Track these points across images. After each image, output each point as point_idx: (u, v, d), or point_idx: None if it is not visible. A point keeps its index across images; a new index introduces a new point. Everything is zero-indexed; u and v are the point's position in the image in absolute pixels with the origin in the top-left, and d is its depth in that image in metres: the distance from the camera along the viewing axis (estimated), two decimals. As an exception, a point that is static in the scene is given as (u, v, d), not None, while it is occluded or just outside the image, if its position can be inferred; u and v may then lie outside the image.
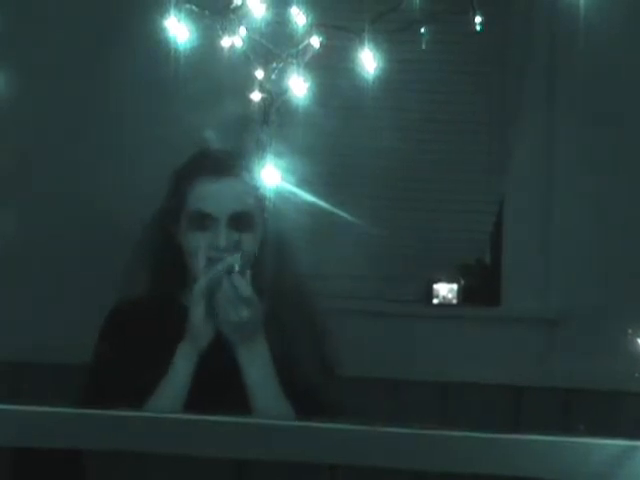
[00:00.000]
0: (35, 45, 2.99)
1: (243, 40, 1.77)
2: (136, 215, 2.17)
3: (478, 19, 1.74)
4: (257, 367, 2.02)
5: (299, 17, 1.80)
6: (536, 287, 3.10)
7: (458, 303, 3.19)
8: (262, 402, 2.00)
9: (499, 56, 3.14)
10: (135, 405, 1.96)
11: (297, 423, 1.75)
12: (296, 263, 2.15)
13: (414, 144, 3.16)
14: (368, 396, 2.61)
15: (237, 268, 2.01)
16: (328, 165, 3.03)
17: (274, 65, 1.74)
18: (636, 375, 1.61)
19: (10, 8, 2.88)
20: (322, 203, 2.54)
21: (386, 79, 1.75)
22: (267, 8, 1.78)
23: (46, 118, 3.04)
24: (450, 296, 3.20)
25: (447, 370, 2.85)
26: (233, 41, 1.77)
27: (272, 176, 1.71)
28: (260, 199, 1.94)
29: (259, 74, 1.76)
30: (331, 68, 2.01)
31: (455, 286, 3.20)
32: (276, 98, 1.74)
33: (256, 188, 1.77)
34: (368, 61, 1.71)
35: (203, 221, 2.06)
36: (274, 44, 1.77)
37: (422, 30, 1.83)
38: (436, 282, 3.20)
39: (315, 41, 1.77)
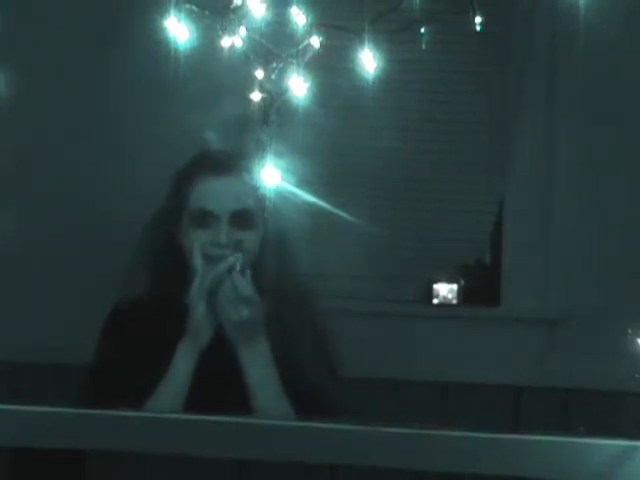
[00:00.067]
0: (35, 45, 2.99)
1: (243, 40, 1.77)
2: (136, 215, 2.17)
3: (478, 19, 1.74)
4: (258, 367, 2.02)
5: (299, 17, 1.80)
6: (536, 287, 3.10)
7: (458, 303, 3.19)
8: (263, 402, 2.00)
9: (499, 56, 3.14)
10: (136, 405, 1.96)
11: (297, 423, 1.75)
12: (297, 263, 2.16)
13: (414, 144, 3.16)
14: (368, 396, 2.60)
15: (238, 267, 2.01)
16: (328, 165, 3.03)
17: (274, 65, 1.74)
18: (636, 375, 1.61)
19: (10, 8, 2.88)
20: (322, 203, 2.54)
21: (386, 79, 1.74)
22: (267, 8, 1.78)
23: (46, 118, 3.04)
24: (450, 296, 3.20)
25: (447, 370, 2.85)
26: (233, 41, 1.77)
27: (272, 176, 1.71)
28: (261, 198, 1.94)
29: (259, 74, 1.76)
30: (331, 68, 2.01)
31: (455, 286, 3.20)
32: (276, 98, 1.74)
33: (257, 187, 1.77)
34: (368, 61, 1.71)
35: (204, 219, 2.07)
36: (274, 44, 1.77)
37: (422, 30, 1.83)
38: (436, 282, 3.20)
39: (315, 41, 1.77)
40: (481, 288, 3.23)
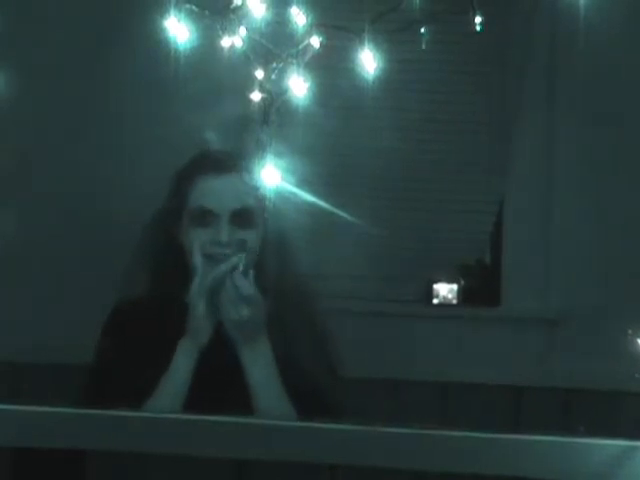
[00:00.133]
0: (35, 45, 2.99)
1: (243, 40, 1.77)
2: (136, 215, 2.17)
3: (478, 19, 1.74)
4: (259, 367, 2.02)
5: (299, 17, 1.80)
6: (536, 287, 3.10)
7: (458, 303, 3.19)
8: (264, 402, 2.00)
9: (499, 56, 3.14)
10: (136, 405, 1.96)
11: (297, 423, 1.75)
12: (297, 263, 2.16)
13: (414, 144, 3.16)
14: (368, 396, 2.60)
15: (241, 267, 2.02)
16: (328, 165, 3.03)
17: (274, 65, 1.74)
18: (636, 375, 1.61)
19: (10, 8, 2.88)
20: (322, 203, 2.54)
21: (386, 79, 1.74)
22: (267, 8, 1.78)
23: (46, 118, 3.04)
24: (450, 296, 3.20)
25: (447, 370, 2.85)
26: (233, 41, 1.77)
27: (272, 176, 1.71)
28: (261, 197, 1.94)
29: (259, 74, 1.76)
30: (331, 68, 2.01)
31: (455, 286, 3.20)
32: (276, 98, 1.74)
33: (257, 186, 1.77)
34: (368, 61, 1.71)
35: (204, 217, 2.07)
36: (274, 44, 1.77)
37: (422, 30, 1.83)
38: (436, 282, 3.20)
39: (315, 41, 1.77)
40: (481, 288, 3.23)
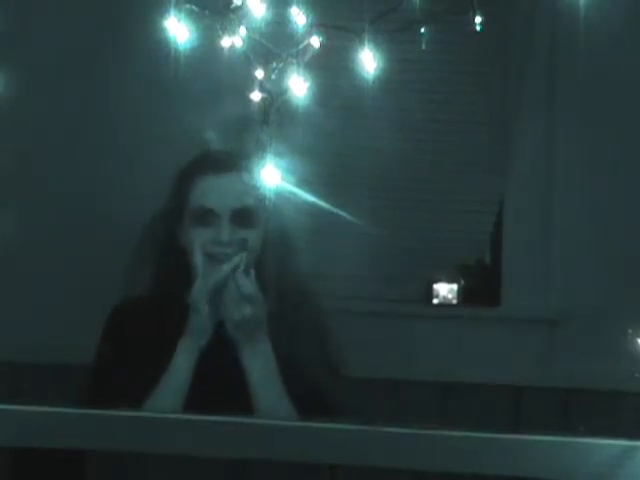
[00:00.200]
0: (35, 45, 2.99)
1: (243, 40, 1.77)
2: (136, 215, 2.17)
3: (478, 19, 1.74)
4: (260, 366, 2.02)
5: (299, 17, 1.80)
6: (536, 287, 3.10)
7: (458, 303, 3.20)
8: (265, 402, 2.00)
9: (499, 56, 3.14)
10: (138, 405, 1.96)
11: (297, 423, 1.75)
12: (297, 263, 2.16)
13: (414, 144, 3.16)
14: (368, 396, 2.60)
15: (242, 267, 2.02)
16: (328, 165, 3.03)
17: (274, 65, 1.74)
18: (636, 375, 1.61)
19: (10, 8, 2.88)
20: (322, 203, 2.54)
21: (386, 79, 1.74)
22: (267, 8, 1.78)
23: (46, 118, 3.04)
24: (450, 296, 3.20)
25: (447, 370, 2.84)
26: (233, 41, 1.77)
27: (272, 176, 1.71)
28: (262, 197, 1.94)
29: (259, 74, 1.75)
30: (331, 68, 2.01)
31: (455, 286, 3.20)
32: (276, 98, 1.74)
33: (257, 186, 1.77)
34: (368, 61, 1.71)
35: (205, 217, 2.07)
36: (274, 44, 1.77)
37: (422, 30, 1.82)
38: (436, 282, 3.20)
39: (315, 41, 1.77)
40: (481, 288, 3.23)
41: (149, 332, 2.07)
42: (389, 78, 1.75)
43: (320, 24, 1.78)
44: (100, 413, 1.60)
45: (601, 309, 2.95)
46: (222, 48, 1.76)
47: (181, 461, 1.58)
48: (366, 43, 1.70)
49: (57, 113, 3.04)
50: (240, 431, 1.57)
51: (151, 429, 1.59)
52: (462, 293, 3.20)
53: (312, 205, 2.38)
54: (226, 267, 2.02)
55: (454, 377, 2.82)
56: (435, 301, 3.19)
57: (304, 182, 2.09)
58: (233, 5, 1.76)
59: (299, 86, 1.73)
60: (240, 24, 1.76)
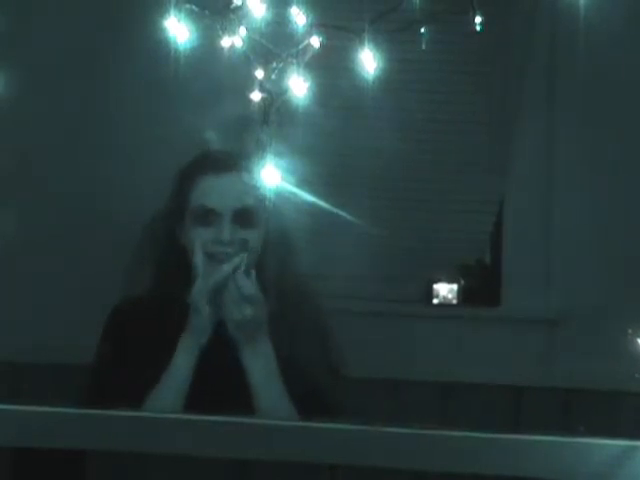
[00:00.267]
0: (35, 45, 2.99)
1: (243, 40, 1.77)
2: (136, 215, 2.17)
3: (478, 19, 1.74)
4: (261, 366, 2.02)
5: (299, 17, 1.80)
6: (536, 287, 3.10)
7: (458, 303, 3.20)
8: (265, 402, 2.00)
9: (499, 56, 3.14)
10: (138, 405, 1.96)
11: (297, 423, 1.75)
12: (298, 263, 2.16)
13: (414, 144, 3.16)
14: (368, 396, 2.60)
15: (243, 267, 2.02)
16: (328, 165, 3.03)
17: (274, 65, 1.74)
18: (636, 375, 1.61)
19: (10, 8, 2.88)
20: (322, 203, 2.54)
21: (386, 79, 1.74)
22: (267, 8, 1.78)
23: (46, 118, 3.04)
24: (450, 296, 3.20)
25: (447, 370, 2.84)
26: (233, 41, 1.77)
27: (272, 176, 1.71)
28: (262, 197, 1.94)
29: (259, 74, 1.75)
30: (331, 68, 2.01)
31: (455, 286, 3.20)
32: (276, 98, 1.74)
33: (258, 186, 1.77)
34: (368, 61, 1.71)
35: (206, 217, 2.07)
36: (274, 44, 1.77)
37: (422, 30, 1.82)
38: (436, 282, 3.20)
39: (315, 41, 1.77)
40: (481, 288, 3.23)
41: (149, 332, 2.07)
42: (389, 78, 1.75)
43: (320, 24, 1.78)
44: (100, 413, 1.60)
45: (601, 309, 2.95)
46: (222, 48, 1.76)
47: (181, 461, 1.58)
48: (366, 43, 1.70)
49: (57, 113, 3.04)
50: (240, 431, 1.57)
51: (151, 429, 1.59)
52: (462, 293, 3.20)
53: (312, 205, 2.38)
54: (227, 267, 2.02)
55: (454, 377, 2.82)
56: (435, 301, 3.19)
57: (304, 182, 2.09)
58: (233, 5, 1.76)
59: (299, 86, 1.73)
60: (240, 24, 1.76)
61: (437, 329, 3.09)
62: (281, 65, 1.74)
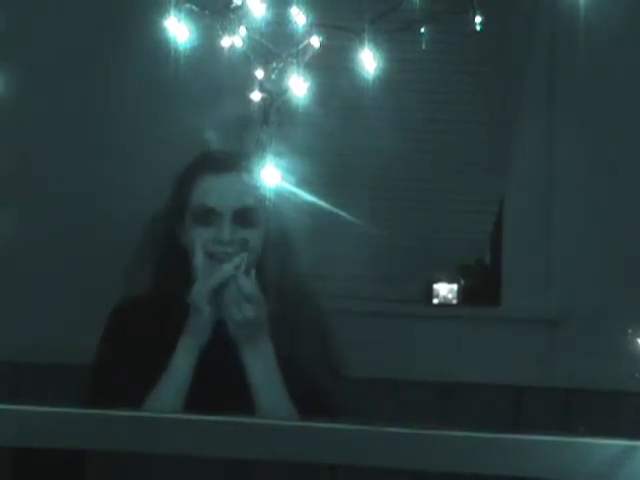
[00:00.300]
0: (35, 45, 2.99)
1: (243, 40, 1.77)
2: (136, 215, 2.17)
3: (478, 19, 1.74)
4: (261, 367, 2.02)
5: (299, 17, 1.80)
6: (536, 287, 3.10)
7: (458, 303, 3.19)
8: (266, 402, 2.00)
9: (499, 56, 3.14)
10: (139, 405, 1.96)
11: (297, 423, 1.75)
12: (298, 263, 2.16)
13: (414, 144, 3.16)
14: (368, 396, 2.60)
15: (243, 267, 2.02)
16: (328, 165, 3.03)
17: (274, 65, 1.74)
18: (636, 375, 1.61)
19: (10, 8, 2.88)
20: (322, 203, 2.54)
21: (386, 79, 1.74)
22: (267, 8, 1.78)
23: (46, 118, 3.04)
24: (450, 296, 3.20)
25: (447, 370, 2.84)
26: (233, 41, 1.77)
27: (272, 176, 1.71)
28: (262, 197, 1.94)
29: (259, 74, 1.75)
30: (331, 68, 2.01)
31: (455, 286, 3.20)
32: (276, 98, 1.74)
33: (258, 185, 1.77)
34: (368, 61, 1.71)
35: (207, 216, 2.07)
36: (274, 44, 1.76)
37: (422, 30, 1.82)
38: (436, 282, 3.20)
39: (315, 41, 1.77)
40: (481, 288, 3.23)
41: (150, 332, 2.07)
42: (389, 78, 1.76)
43: (320, 24, 1.78)
44: (100, 413, 1.60)
45: (601, 309, 2.95)
46: (222, 48, 1.76)
47: (181, 461, 1.58)
48: (366, 43, 1.70)
49: (57, 113, 3.04)
50: (240, 431, 1.57)
51: (151, 429, 1.59)
52: (462, 293, 3.20)
53: (312, 205, 2.38)
54: (228, 267, 2.02)
55: (454, 377, 2.82)
56: (435, 301, 3.19)
57: (304, 182, 2.09)
58: (233, 5, 1.76)
59: (299, 86, 1.73)
60: (240, 24, 1.76)
61: (437, 329, 3.09)
62: (281, 65, 1.74)
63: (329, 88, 2.26)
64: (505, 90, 3.15)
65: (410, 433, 1.53)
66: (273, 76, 1.74)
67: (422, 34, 1.81)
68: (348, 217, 2.94)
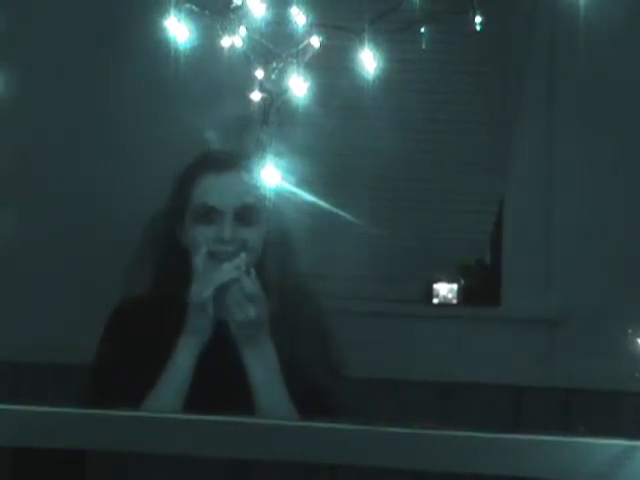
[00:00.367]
0: (35, 45, 2.99)
1: (243, 40, 1.77)
2: (136, 215, 2.17)
3: (478, 19, 1.74)
4: (262, 367, 2.02)
5: (299, 17, 1.80)
6: (536, 287, 3.10)
7: (458, 303, 3.19)
8: (266, 402, 2.00)
9: (499, 56, 3.14)
10: (139, 405, 1.96)
11: (297, 423, 1.75)
12: (298, 263, 2.16)
13: (414, 144, 3.16)
14: (368, 396, 2.60)
15: (243, 268, 2.01)
16: (328, 165, 3.03)
17: (274, 65, 1.74)
18: (636, 375, 1.61)
19: (10, 8, 2.88)
20: (322, 203, 2.54)
21: (386, 79, 1.74)
22: (267, 8, 1.78)
23: (46, 118, 3.04)
24: (450, 296, 3.20)
25: (447, 370, 2.84)
26: (233, 41, 1.77)
27: (272, 176, 1.71)
28: (263, 196, 1.94)
29: (259, 74, 1.75)
30: (331, 68, 2.01)
31: (455, 286, 3.20)
32: (276, 98, 1.74)
33: (259, 184, 1.77)
34: (368, 61, 1.71)
35: (208, 215, 2.07)
36: (274, 44, 1.76)
37: (422, 30, 1.82)
38: (436, 282, 3.20)
39: (315, 41, 1.77)
40: (481, 288, 3.23)
41: (150, 332, 2.07)
42: (389, 78, 1.76)
43: (320, 24, 1.78)
44: (100, 413, 1.60)
45: (601, 309, 2.95)
46: (222, 48, 1.76)
47: (181, 461, 1.58)
48: (366, 43, 1.70)
49: (57, 113, 3.04)
50: (240, 431, 1.57)
51: (151, 429, 1.59)
52: (462, 293, 3.20)
53: (312, 205, 2.38)
54: (229, 267, 2.01)
55: (454, 377, 2.82)
56: (435, 301, 3.19)
57: (304, 182, 2.09)
58: (233, 5, 1.76)
59: (299, 86, 1.73)
60: (240, 24, 1.76)
61: (437, 329, 3.09)
62: (281, 65, 1.74)
63: (329, 88, 2.26)
64: (505, 90, 3.15)
65: (410, 433, 1.53)
66: (273, 76, 1.74)
67: (422, 34, 1.81)
68: (348, 217, 2.94)
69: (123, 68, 2.95)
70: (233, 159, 2.09)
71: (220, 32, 1.76)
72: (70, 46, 3.02)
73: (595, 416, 2.66)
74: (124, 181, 2.96)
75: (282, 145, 1.74)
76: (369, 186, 3.17)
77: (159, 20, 1.73)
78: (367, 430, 1.54)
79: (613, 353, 1.86)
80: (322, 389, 2.03)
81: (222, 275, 2.01)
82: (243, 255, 2.03)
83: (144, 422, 1.61)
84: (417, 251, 3.20)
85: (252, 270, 2.03)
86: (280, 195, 1.84)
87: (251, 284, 2.01)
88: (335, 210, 2.81)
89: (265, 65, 1.75)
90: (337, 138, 3.10)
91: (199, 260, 2.04)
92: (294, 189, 2.03)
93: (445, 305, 3.19)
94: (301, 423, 1.70)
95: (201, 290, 2.01)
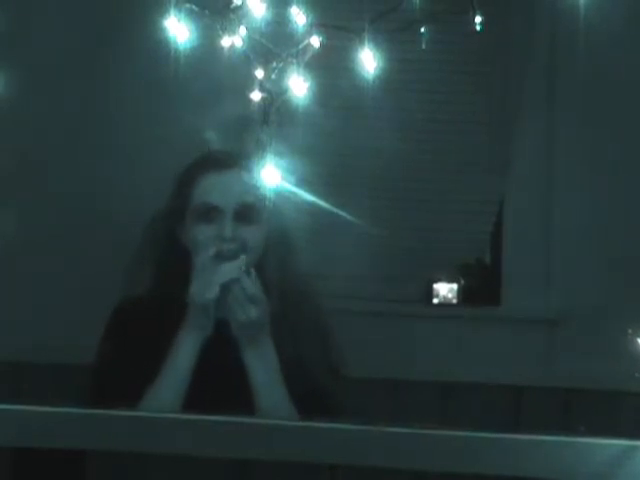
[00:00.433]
0: (35, 45, 2.99)
1: (243, 40, 1.77)
2: (136, 215, 2.17)
3: (478, 19, 1.74)
4: (263, 367, 2.02)
5: (299, 17, 1.80)
6: (536, 287, 3.10)
7: (458, 303, 3.19)
8: (267, 402, 2.00)
9: (499, 56, 3.14)
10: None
11: (297, 423, 1.75)
12: (299, 263, 2.16)
13: (414, 144, 3.16)
14: (368, 396, 2.60)
15: (244, 268, 2.01)
16: (328, 165, 3.03)
17: (274, 65, 1.74)
18: (636, 375, 1.61)
19: (10, 8, 2.88)
20: (322, 203, 2.54)
21: (386, 79, 1.74)
22: (267, 8, 1.78)
23: (46, 118, 3.04)
24: (450, 296, 3.20)
25: (447, 370, 2.85)
26: (233, 41, 1.77)
27: (272, 176, 1.71)
28: (264, 195, 1.94)
29: (259, 74, 1.75)
30: (331, 68, 2.01)
31: (455, 286, 3.20)
32: (276, 98, 1.74)
33: (259, 184, 1.77)
34: (368, 61, 1.71)
35: (208, 213, 2.07)
36: (274, 44, 1.76)
37: (422, 30, 1.83)
38: (436, 282, 3.20)
39: (315, 41, 1.77)
40: (481, 288, 3.23)
41: (150, 332, 2.07)
42: (389, 78, 1.76)
43: (320, 24, 1.78)
44: (100, 413, 1.60)
45: (601, 309, 2.95)
46: (222, 48, 1.76)
47: (181, 461, 1.58)
48: (366, 43, 1.70)
49: (57, 113, 3.04)
50: (240, 431, 1.57)
51: (151, 429, 1.59)
52: (462, 293, 3.20)
53: (312, 205, 2.38)
54: (230, 267, 2.01)
55: (454, 377, 2.82)
56: (435, 301, 3.19)
57: (304, 182, 2.09)
58: (233, 5, 1.76)
59: (299, 86, 1.73)
60: (240, 24, 1.76)
61: (437, 329, 3.09)
62: (281, 65, 1.74)
63: (329, 88, 2.26)
64: (505, 90, 3.15)
65: (410, 433, 1.53)
66: (273, 76, 1.74)
67: (422, 34, 1.81)
68: (348, 217, 2.94)
69: (123, 68, 2.96)
70: (233, 159, 2.10)
71: (220, 32, 1.76)
72: (70, 46, 3.02)
73: (595, 416, 2.66)
74: (124, 181, 2.96)
75: (282, 145, 1.74)
76: (369, 186, 3.17)
77: (159, 20, 1.73)
78: (367, 430, 1.54)
79: (613, 353, 1.86)
80: (322, 389, 2.03)
81: (223, 275, 2.01)
82: (243, 256, 2.03)
83: (144, 422, 1.61)
84: (417, 251, 3.20)
85: (252, 270, 2.03)
86: (280, 195, 1.84)
87: (252, 285, 2.01)
88: (335, 210, 2.81)
89: (265, 65, 1.75)
90: (337, 138, 3.10)
91: (200, 258, 2.03)
92: (294, 189, 2.03)
93: (445, 305, 3.19)
94: (301, 423, 1.70)
95: (203, 290, 2.01)
